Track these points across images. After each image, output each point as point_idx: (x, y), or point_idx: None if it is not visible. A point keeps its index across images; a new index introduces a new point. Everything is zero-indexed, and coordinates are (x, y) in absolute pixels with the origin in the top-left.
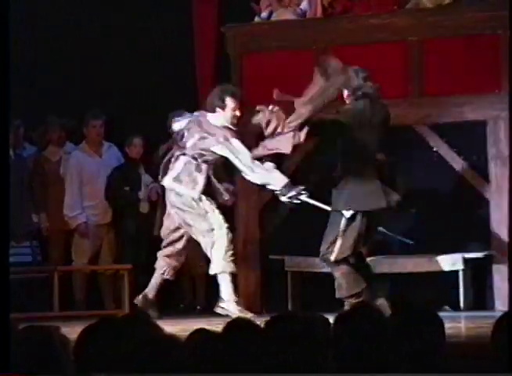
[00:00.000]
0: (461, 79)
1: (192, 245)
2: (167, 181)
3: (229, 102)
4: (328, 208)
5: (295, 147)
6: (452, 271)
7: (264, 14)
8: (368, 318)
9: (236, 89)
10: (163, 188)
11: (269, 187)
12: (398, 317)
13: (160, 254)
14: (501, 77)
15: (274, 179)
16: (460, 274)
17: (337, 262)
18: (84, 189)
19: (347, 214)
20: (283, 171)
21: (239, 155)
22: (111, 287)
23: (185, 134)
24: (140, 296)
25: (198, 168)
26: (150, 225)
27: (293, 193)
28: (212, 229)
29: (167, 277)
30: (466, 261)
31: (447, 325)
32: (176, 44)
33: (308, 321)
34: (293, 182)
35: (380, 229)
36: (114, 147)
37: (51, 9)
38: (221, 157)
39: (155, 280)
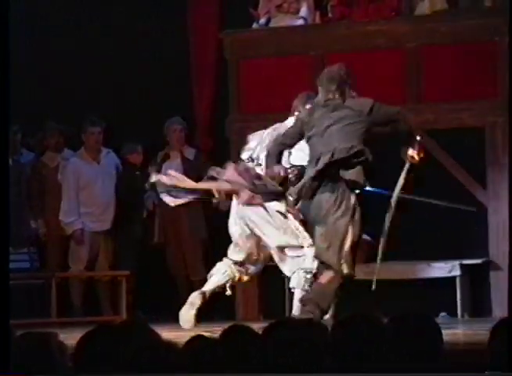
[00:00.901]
0: (458, 85)
1: (194, 250)
2: None
3: None
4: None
5: None
6: (449, 277)
7: (262, 20)
8: (366, 324)
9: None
10: (159, 197)
11: None
12: (395, 323)
13: None
14: (498, 84)
15: None
16: (458, 280)
17: None
18: (81, 195)
19: None
20: None
21: None
22: (109, 293)
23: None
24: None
25: None
26: (151, 231)
27: None
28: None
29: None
30: (463, 267)
31: (444, 331)
32: (175, 50)
33: (306, 327)
34: None
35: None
36: (112, 153)
37: (51, 9)
38: None
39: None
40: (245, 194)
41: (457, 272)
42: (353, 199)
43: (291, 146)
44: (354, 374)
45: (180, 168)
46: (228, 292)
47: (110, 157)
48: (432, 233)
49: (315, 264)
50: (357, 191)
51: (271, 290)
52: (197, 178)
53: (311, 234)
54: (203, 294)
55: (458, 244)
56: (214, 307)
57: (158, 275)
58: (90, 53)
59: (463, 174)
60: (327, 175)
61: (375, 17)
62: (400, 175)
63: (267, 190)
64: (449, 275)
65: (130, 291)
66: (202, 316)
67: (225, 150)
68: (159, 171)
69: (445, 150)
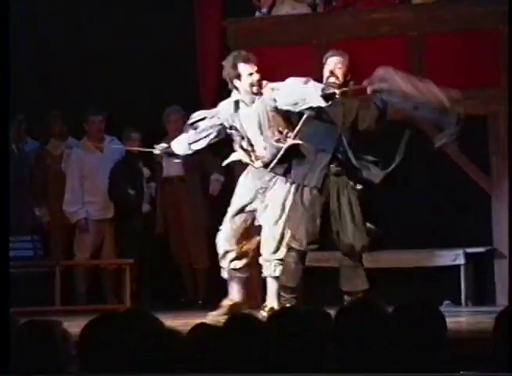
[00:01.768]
0: (461, 73)
1: (196, 238)
2: None
3: (243, 68)
4: None
5: None
6: (453, 266)
7: (264, 10)
8: (369, 312)
9: (248, 54)
10: (161, 186)
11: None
12: (399, 312)
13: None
14: (501, 72)
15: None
16: (462, 269)
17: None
18: (85, 184)
19: None
20: None
21: None
22: (113, 281)
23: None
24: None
25: None
26: (153, 221)
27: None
28: None
29: None
30: (467, 255)
31: (448, 320)
32: (178, 39)
33: (310, 315)
34: None
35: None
36: (116, 141)
37: (51, 8)
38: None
39: None
40: None
41: (461, 260)
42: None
43: None
44: (354, 374)
45: (180, 157)
46: None
47: (114, 145)
48: (436, 221)
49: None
50: None
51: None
52: (198, 167)
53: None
54: None
55: (462, 233)
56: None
57: (162, 263)
58: (92, 42)
59: (466, 162)
60: None
61: (379, 5)
62: None
63: None
64: (453, 263)
65: (134, 279)
66: (206, 304)
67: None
68: (160, 162)
69: None
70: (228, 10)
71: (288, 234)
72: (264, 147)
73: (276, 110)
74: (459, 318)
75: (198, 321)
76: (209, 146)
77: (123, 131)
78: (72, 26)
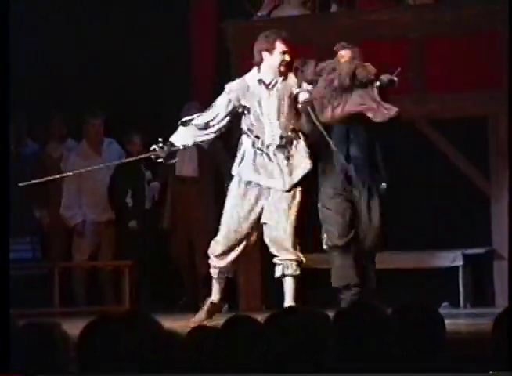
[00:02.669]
0: (461, 75)
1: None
2: None
3: (279, 45)
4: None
5: None
6: (452, 267)
7: (263, 13)
8: (368, 314)
9: (289, 37)
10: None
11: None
12: (398, 313)
13: None
14: (501, 73)
15: None
16: (460, 270)
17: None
18: (83, 187)
19: None
20: None
21: None
22: (112, 283)
23: None
24: None
25: None
26: (154, 221)
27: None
28: None
29: None
30: (466, 257)
31: (446, 321)
32: (175, 40)
33: (308, 317)
34: None
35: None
36: (115, 143)
37: (51, 8)
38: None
39: None
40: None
41: (460, 261)
42: None
43: None
44: (354, 374)
45: (195, 156)
46: None
47: (113, 148)
48: (435, 222)
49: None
50: None
51: (273, 281)
52: (211, 167)
53: None
54: None
55: (461, 234)
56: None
57: (162, 265)
58: (90, 44)
59: (465, 163)
60: None
61: (378, 7)
62: None
63: None
64: (452, 264)
65: (133, 281)
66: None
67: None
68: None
69: (448, 140)
70: (224, 12)
71: (324, 235)
72: (273, 135)
73: (296, 100)
74: (458, 320)
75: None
76: (226, 147)
77: (122, 133)
78: (70, 30)
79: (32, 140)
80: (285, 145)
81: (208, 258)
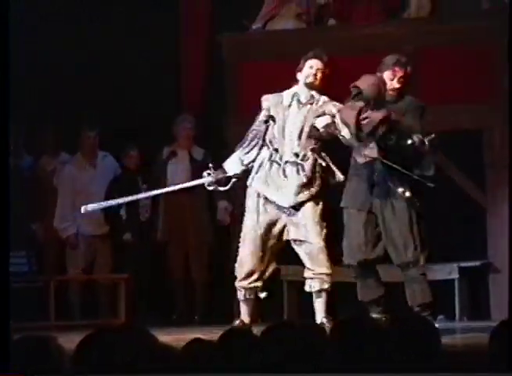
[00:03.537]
0: (456, 88)
1: (199, 252)
2: None
3: (308, 61)
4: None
5: None
6: (447, 280)
7: (258, 25)
8: (364, 326)
9: (322, 53)
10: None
11: None
12: (394, 326)
13: None
14: (496, 86)
15: None
16: (456, 283)
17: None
18: (77, 199)
19: None
20: None
21: None
22: (108, 296)
23: None
24: None
25: None
26: (150, 234)
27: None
28: None
29: None
30: (461, 270)
31: (442, 334)
32: (171, 53)
33: (304, 330)
34: None
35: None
36: (110, 157)
37: (51, 9)
38: None
39: None
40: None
41: (456, 274)
42: None
43: None
44: (354, 374)
45: (188, 167)
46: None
47: (107, 161)
48: (431, 235)
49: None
50: None
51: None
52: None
53: None
54: None
55: (456, 247)
56: (212, 311)
57: (158, 278)
58: (86, 55)
59: (461, 176)
60: None
61: (373, 21)
62: None
63: None
64: (448, 277)
65: (129, 294)
66: (200, 320)
67: (223, 153)
68: (164, 169)
69: (444, 153)
70: (218, 24)
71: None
72: (291, 152)
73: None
74: (454, 333)
75: (193, 336)
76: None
77: (118, 146)
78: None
79: (26, 153)
80: (301, 164)
81: (206, 271)
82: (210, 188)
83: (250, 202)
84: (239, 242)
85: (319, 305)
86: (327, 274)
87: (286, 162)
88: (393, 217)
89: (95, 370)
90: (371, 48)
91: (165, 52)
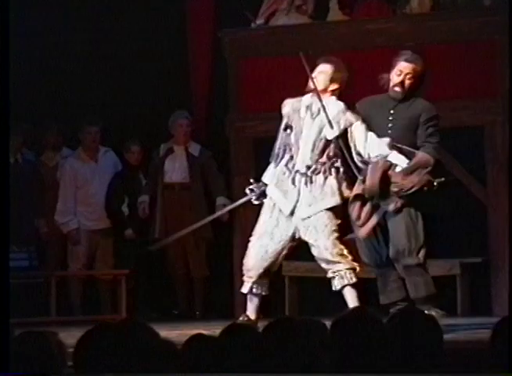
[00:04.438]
0: (458, 84)
1: (197, 248)
2: None
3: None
4: None
5: None
6: (449, 276)
7: (260, 21)
8: (365, 322)
9: (332, 58)
10: (161, 192)
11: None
12: (395, 321)
13: None
14: (498, 82)
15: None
16: (457, 279)
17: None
18: (78, 194)
19: None
20: None
21: None
22: (108, 292)
23: None
24: None
25: None
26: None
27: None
28: None
29: None
30: (463, 266)
31: (444, 331)
32: (175, 49)
33: (306, 326)
34: None
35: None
36: (111, 152)
37: (51, 9)
38: None
39: None
40: None
41: (457, 270)
42: None
43: None
44: (354, 374)
45: (185, 163)
46: None
47: (109, 156)
48: (432, 231)
49: None
50: None
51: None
52: (201, 175)
53: None
54: None
55: (458, 243)
56: (214, 306)
57: (159, 274)
58: (88, 52)
59: (462, 172)
60: None
61: (375, 16)
62: None
63: None
64: (449, 273)
65: (130, 289)
66: (201, 315)
67: (225, 149)
68: (162, 165)
69: (445, 149)
70: (221, 20)
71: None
72: (303, 163)
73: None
74: (455, 329)
75: (194, 332)
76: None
77: (119, 142)
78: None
79: (28, 149)
80: (311, 176)
81: (204, 267)
82: (257, 202)
83: (267, 198)
84: (240, 238)
85: (348, 302)
86: (346, 269)
87: (297, 172)
88: (391, 214)
89: (95, 366)
90: (372, 44)
91: (169, 49)
